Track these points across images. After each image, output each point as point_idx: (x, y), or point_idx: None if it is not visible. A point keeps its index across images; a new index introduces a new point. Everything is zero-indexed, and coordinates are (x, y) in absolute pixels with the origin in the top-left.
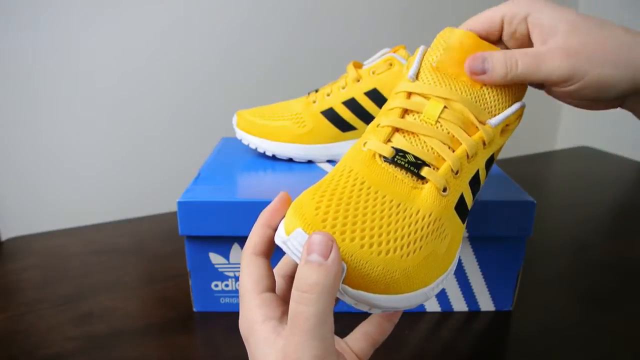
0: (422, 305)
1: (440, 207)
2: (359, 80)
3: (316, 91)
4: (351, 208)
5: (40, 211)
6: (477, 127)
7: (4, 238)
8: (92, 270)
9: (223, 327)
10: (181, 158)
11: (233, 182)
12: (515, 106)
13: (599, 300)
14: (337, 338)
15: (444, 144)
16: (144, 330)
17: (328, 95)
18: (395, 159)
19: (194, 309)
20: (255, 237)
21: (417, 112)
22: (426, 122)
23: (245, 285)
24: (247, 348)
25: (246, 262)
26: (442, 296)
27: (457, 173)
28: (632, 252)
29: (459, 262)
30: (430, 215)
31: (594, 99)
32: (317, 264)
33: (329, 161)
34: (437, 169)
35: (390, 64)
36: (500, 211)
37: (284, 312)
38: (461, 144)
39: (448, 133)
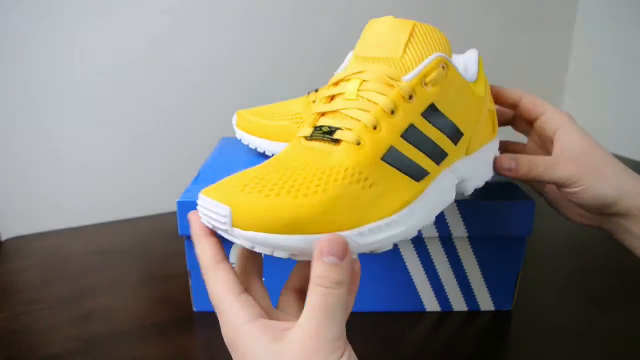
0: (422, 306)
1: (355, 159)
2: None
3: (316, 91)
4: (254, 173)
5: (40, 211)
6: (394, 87)
7: (4, 238)
8: (92, 270)
9: None
10: (181, 158)
11: None
12: (429, 58)
13: (599, 300)
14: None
15: (363, 110)
16: (144, 330)
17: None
18: (313, 135)
19: (194, 309)
20: (208, 248)
21: (342, 94)
22: (348, 100)
23: (220, 294)
24: (235, 353)
25: (212, 272)
26: (442, 296)
27: (375, 128)
28: (632, 253)
29: (459, 262)
30: (340, 166)
31: (587, 204)
32: (334, 265)
33: None
34: (352, 130)
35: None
36: (500, 211)
37: (265, 309)
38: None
39: (368, 101)
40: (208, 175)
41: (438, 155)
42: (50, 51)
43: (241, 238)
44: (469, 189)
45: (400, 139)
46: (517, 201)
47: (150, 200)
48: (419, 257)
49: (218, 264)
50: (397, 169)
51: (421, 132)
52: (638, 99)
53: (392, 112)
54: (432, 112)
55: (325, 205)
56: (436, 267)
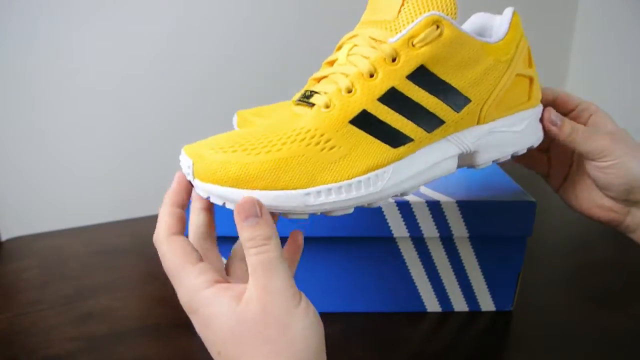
0: (422, 306)
1: (320, 122)
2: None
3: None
4: (236, 133)
5: (40, 211)
6: (376, 49)
7: (4, 238)
8: (92, 270)
9: None
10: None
11: None
12: (419, 18)
13: (599, 300)
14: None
15: (344, 74)
16: (144, 330)
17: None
18: (298, 100)
19: None
20: (167, 218)
21: (336, 59)
22: (339, 64)
23: (176, 262)
24: (196, 319)
25: (166, 243)
26: (442, 296)
27: (350, 91)
28: (632, 252)
29: (459, 262)
30: (303, 128)
31: (615, 182)
32: (255, 224)
33: None
34: (326, 94)
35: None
36: (500, 211)
37: (221, 277)
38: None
39: (352, 65)
40: None
41: (429, 122)
42: (50, 51)
43: (199, 188)
44: (481, 162)
45: (377, 102)
46: (517, 201)
47: (150, 200)
48: (419, 257)
49: (172, 235)
50: (368, 132)
51: (405, 96)
52: (638, 99)
53: (372, 75)
54: (421, 75)
55: (274, 164)
56: (436, 267)
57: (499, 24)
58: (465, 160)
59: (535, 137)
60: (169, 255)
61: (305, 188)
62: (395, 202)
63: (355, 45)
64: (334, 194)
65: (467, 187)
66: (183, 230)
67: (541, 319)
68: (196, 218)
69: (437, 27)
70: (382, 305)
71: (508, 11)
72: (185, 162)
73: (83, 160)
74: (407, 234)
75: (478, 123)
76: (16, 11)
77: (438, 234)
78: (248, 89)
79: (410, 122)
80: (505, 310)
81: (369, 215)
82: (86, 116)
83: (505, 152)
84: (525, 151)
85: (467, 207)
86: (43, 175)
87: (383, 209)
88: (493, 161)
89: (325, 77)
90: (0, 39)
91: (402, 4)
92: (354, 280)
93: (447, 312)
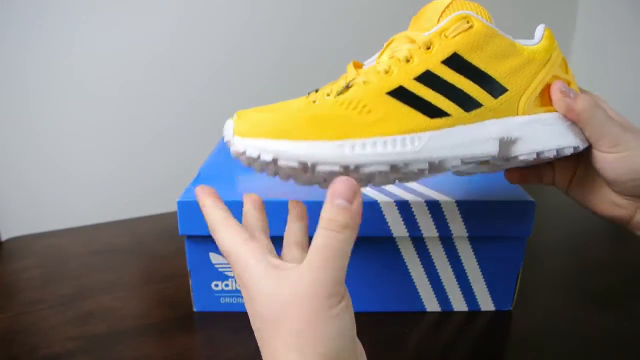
0: (422, 305)
1: (359, 92)
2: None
3: (316, 91)
4: (271, 105)
5: (40, 211)
6: (414, 41)
7: (4, 238)
8: (92, 270)
9: (223, 327)
10: (181, 158)
11: (233, 182)
12: (450, 16)
13: (599, 300)
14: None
15: (383, 63)
16: (144, 330)
17: (328, 95)
18: (339, 92)
19: (194, 309)
20: (215, 210)
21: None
22: (380, 62)
23: (231, 241)
24: (245, 294)
25: (223, 226)
26: (442, 296)
27: (387, 72)
28: (631, 252)
29: (459, 262)
30: (344, 97)
31: (627, 175)
32: (343, 208)
33: None
34: (365, 76)
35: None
36: (500, 211)
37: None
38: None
39: (392, 56)
40: (208, 175)
41: (466, 102)
42: (50, 51)
43: (237, 144)
44: (523, 151)
45: (413, 80)
46: (517, 201)
47: (150, 200)
48: (419, 257)
49: (227, 219)
50: (405, 103)
51: (440, 78)
52: (638, 99)
53: (408, 61)
54: (456, 60)
55: (311, 119)
56: (436, 267)
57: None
58: (508, 148)
59: (581, 139)
60: (226, 235)
61: (341, 140)
62: (395, 201)
63: (396, 45)
64: (368, 147)
65: (466, 187)
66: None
67: (541, 318)
68: (245, 210)
69: (467, 21)
70: (381, 305)
71: (540, 27)
72: (228, 125)
73: (83, 160)
74: (407, 234)
75: (518, 113)
76: (16, 11)
77: (437, 234)
78: (248, 89)
79: (446, 99)
80: (504, 310)
81: (368, 214)
82: (86, 116)
83: (550, 146)
84: (571, 150)
85: (466, 207)
86: (43, 176)
87: (382, 209)
88: (537, 153)
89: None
90: (1, 41)
91: (441, 15)
92: (353, 280)
93: (447, 312)
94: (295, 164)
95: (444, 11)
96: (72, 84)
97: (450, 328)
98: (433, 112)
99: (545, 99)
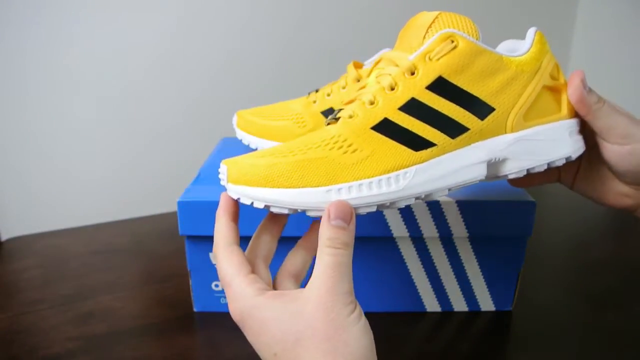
0: (422, 306)
1: (344, 128)
2: (359, 80)
3: (316, 91)
4: (261, 149)
5: (40, 211)
6: (398, 66)
7: (4, 238)
8: (92, 270)
9: (223, 327)
10: (181, 158)
11: None
12: (434, 36)
13: (599, 300)
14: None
15: (369, 92)
16: (144, 330)
17: (328, 95)
18: (328, 121)
19: (194, 309)
20: (224, 230)
21: (366, 84)
22: (368, 86)
23: (231, 273)
24: (249, 325)
25: (223, 253)
26: (442, 296)
27: (372, 104)
28: (632, 252)
29: (459, 262)
30: (328, 134)
31: (631, 167)
32: (342, 227)
33: None
34: (351, 108)
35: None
36: (500, 211)
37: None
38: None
39: (378, 83)
40: (208, 175)
41: (451, 128)
42: (51, 51)
43: (231, 191)
44: (513, 169)
45: (397, 111)
46: (517, 201)
47: (150, 200)
48: (419, 257)
49: (231, 245)
50: (389, 137)
51: (425, 105)
52: (638, 99)
53: (392, 89)
54: (440, 85)
55: (298, 164)
56: (436, 267)
57: (523, 45)
58: (496, 168)
59: (572, 148)
60: (225, 264)
61: (327, 185)
62: None
63: (382, 68)
64: (354, 191)
65: (466, 187)
66: (238, 241)
67: (541, 318)
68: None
69: (452, 41)
70: (382, 305)
71: (531, 31)
72: (222, 169)
73: (83, 160)
74: (407, 234)
75: (506, 131)
76: (16, 10)
77: (438, 234)
78: (248, 89)
79: (432, 128)
80: (505, 310)
81: (368, 214)
82: (86, 117)
83: (540, 161)
84: (563, 162)
85: (466, 207)
86: (43, 176)
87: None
88: (528, 170)
89: (353, 100)
90: (0, 40)
91: (426, 32)
92: (353, 280)
93: (447, 312)
94: (286, 211)
95: (429, 27)
96: (72, 84)
97: (450, 328)
98: (418, 144)
99: (536, 111)
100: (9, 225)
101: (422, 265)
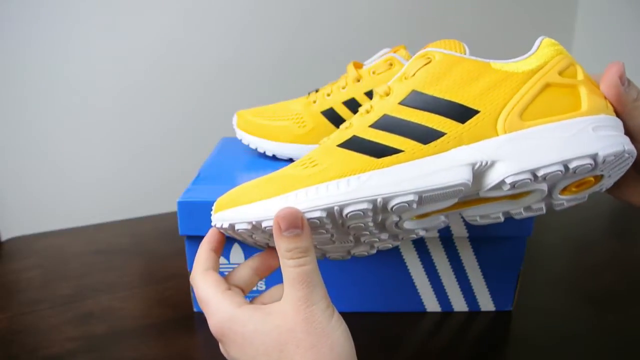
0: (422, 306)
1: (318, 151)
2: (359, 80)
3: (316, 91)
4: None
5: (40, 211)
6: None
7: (4, 238)
8: (92, 270)
9: None
10: (181, 158)
11: (233, 182)
12: (412, 58)
13: (599, 300)
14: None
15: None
16: (144, 330)
17: (328, 95)
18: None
19: (194, 309)
20: (204, 258)
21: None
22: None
23: (208, 292)
24: (231, 341)
25: (199, 276)
26: (442, 296)
27: (347, 127)
28: (632, 252)
29: (459, 262)
30: (302, 159)
31: None
32: (295, 235)
33: None
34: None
35: (391, 64)
36: None
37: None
38: None
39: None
40: (208, 175)
41: (423, 135)
42: (52, 52)
43: (213, 219)
44: (507, 172)
45: (368, 128)
46: None
47: (150, 200)
48: (419, 257)
49: (207, 270)
50: (353, 150)
51: (396, 118)
52: None
53: (368, 112)
54: (413, 98)
55: (259, 182)
56: (436, 267)
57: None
58: (488, 172)
59: (600, 144)
60: (203, 286)
61: (282, 194)
62: None
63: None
64: (312, 193)
65: None
66: (216, 269)
67: (541, 319)
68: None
69: (428, 57)
70: (382, 305)
71: (538, 40)
72: (213, 206)
73: (83, 160)
74: None
75: (497, 133)
76: (16, 10)
77: (438, 234)
78: (248, 89)
79: (400, 137)
80: (504, 310)
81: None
82: (87, 117)
83: (548, 160)
84: (586, 160)
85: None
86: (43, 176)
87: None
88: (532, 170)
89: None
90: (0, 40)
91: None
92: (353, 280)
93: (447, 312)
94: (247, 226)
95: (417, 56)
96: (73, 84)
97: (450, 328)
98: (381, 153)
99: (538, 109)
100: (9, 225)
101: (422, 266)
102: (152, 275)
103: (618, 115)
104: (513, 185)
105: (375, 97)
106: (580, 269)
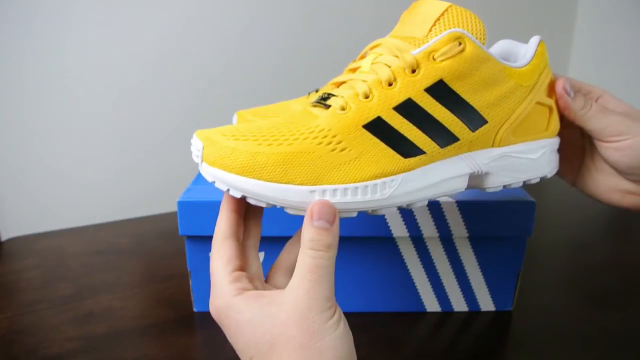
0: (422, 306)
1: (335, 122)
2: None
3: (316, 91)
4: (254, 124)
5: (40, 211)
6: (399, 58)
7: (4, 238)
8: (92, 270)
9: None
10: (181, 158)
11: None
12: (442, 34)
13: (599, 300)
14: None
15: (363, 81)
16: (144, 330)
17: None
18: (315, 101)
19: (194, 309)
20: (222, 223)
21: (359, 67)
22: (361, 72)
23: (217, 266)
24: (227, 327)
25: (217, 247)
26: (442, 296)
27: (367, 97)
28: (631, 252)
29: (459, 262)
30: (317, 127)
31: (633, 162)
32: (325, 229)
33: None
34: (343, 97)
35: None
36: (500, 211)
37: (258, 282)
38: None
39: (372, 72)
40: None
41: (442, 137)
42: (50, 51)
43: (206, 172)
44: (491, 184)
45: (392, 110)
46: (517, 201)
47: (150, 200)
48: (419, 257)
49: (225, 239)
50: (380, 139)
51: (421, 108)
52: (638, 100)
53: (390, 84)
54: (439, 89)
55: (283, 157)
56: (436, 267)
57: (524, 51)
58: (476, 181)
59: (549, 167)
60: (215, 259)
61: (312, 185)
62: None
63: (380, 54)
64: (339, 195)
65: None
66: (237, 232)
67: (541, 319)
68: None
69: (460, 43)
70: (382, 305)
71: (534, 39)
72: (196, 144)
73: (83, 160)
74: (407, 234)
75: (493, 145)
76: (15, 10)
77: (438, 234)
78: (249, 89)
79: (424, 134)
80: (505, 310)
81: (368, 215)
82: (87, 117)
83: (517, 178)
84: (538, 180)
85: (466, 207)
86: (43, 176)
87: None
88: (504, 186)
89: (344, 82)
90: (1, 40)
91: (434, 24)
92: (353, 280)
93: (447, 312)
94: (263, 205)
95: (437, 20)
96: (72, 83)
97: (450, 328)
98: (409, 150)
99: (525, 128)
100: (9, 225)
101: (422, 266)
102: (152, 275)
103: (572, 122)
104: (489, 191)
105: (396, 62)
106: (580, 269)
